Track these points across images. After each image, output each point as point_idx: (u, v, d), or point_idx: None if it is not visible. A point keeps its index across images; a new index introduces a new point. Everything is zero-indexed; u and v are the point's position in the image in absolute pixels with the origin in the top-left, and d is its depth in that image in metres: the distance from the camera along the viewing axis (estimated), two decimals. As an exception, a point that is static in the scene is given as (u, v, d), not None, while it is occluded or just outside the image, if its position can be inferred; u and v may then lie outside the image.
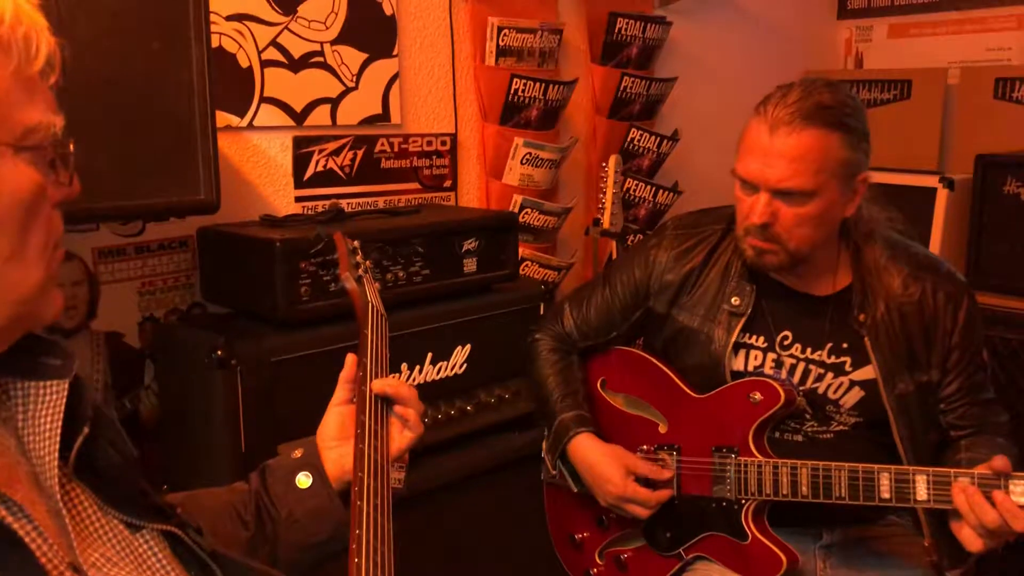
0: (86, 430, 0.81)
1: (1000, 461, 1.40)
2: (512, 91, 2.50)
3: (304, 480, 1.13)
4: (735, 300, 1.68)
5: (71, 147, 0.77)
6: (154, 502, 0.88)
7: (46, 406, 0.79)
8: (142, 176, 1.43)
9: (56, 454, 0.78)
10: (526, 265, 2.58)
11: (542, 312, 2.16)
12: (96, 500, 0.82)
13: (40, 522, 0.72)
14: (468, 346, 2.05)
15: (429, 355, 1.99)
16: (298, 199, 2.22)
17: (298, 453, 1.17)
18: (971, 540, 1.42)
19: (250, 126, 2.12)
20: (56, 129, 0.75)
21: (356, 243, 1.44)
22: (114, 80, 1.36)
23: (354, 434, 1.10)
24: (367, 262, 1.40)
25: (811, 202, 1.52)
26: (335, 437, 1.17)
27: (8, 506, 0.69)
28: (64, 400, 0.79)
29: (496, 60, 2.51)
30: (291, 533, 1.11)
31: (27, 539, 0.69)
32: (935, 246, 2.80)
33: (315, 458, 1.15)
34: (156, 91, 1.43)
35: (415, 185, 2.45)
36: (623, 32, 2.75)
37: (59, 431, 0.78)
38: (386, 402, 1.16)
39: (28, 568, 0.68)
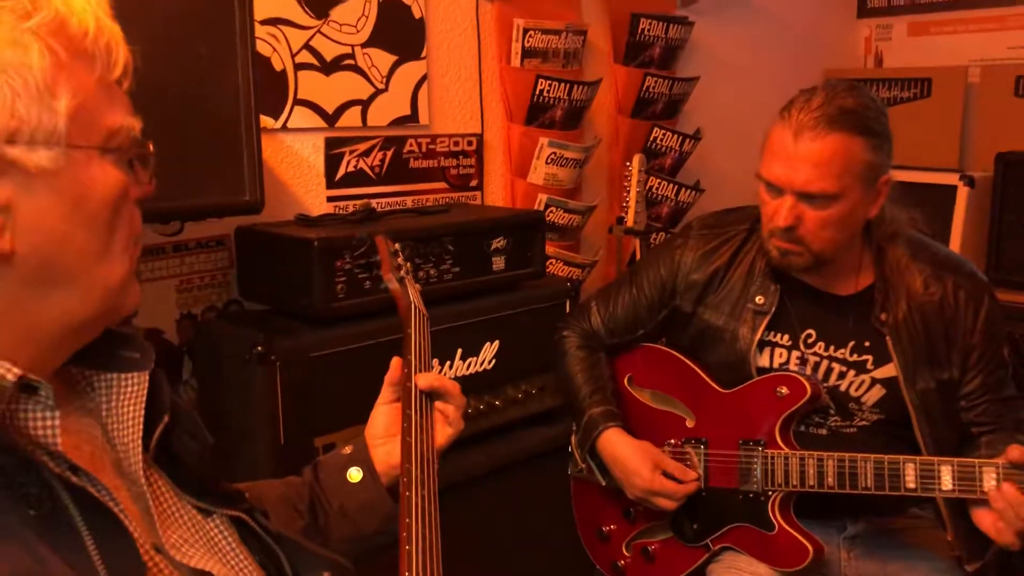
0: (166, 418, 0.86)
1: (1016, 451, 1.44)
2: (537, 92, 2.54)
3: (355, 474, 1.18)
4: (760, 299, 1.72)
5: (150, 147, 0.82)
6: (225, 489, 0.93)
7: (128, 397, 0.84)
8: (190, 179, 1.48)
9: (139, 442, 0.83)
10: (551, 263, 2.62)
11: (568, 309, 2.20)
12: (172, 486, 0.87)
13: (125, 506, 0.77)
14: (497, 342, 2.10)
15: (459, 351, 2.03)
16: (330, 199, 2.28)
17: (348, 449, 1.22)
18: (999, 530, 1.46)
19: (284, 128, 2.17)
20: (135, 131, 0.80)
21: (397, 245, 1.49)
22: (164, 85, 1.41)
23: (401, 428, 1.15)
24: (408, 264, 1.45)
25: (835, 205, 1.56)
26: (382, 435, 1.22)
27: (99, 489, 0.74)
28: (145, 391, 0.85)
29: (521, 61, 2.56)
30: (342, 525, 1.17)
31: (121, 518, 0.74)
32: (955, 244, 2.82)
33: (365, 454, 1.20)
34: (204, 96, 1.49)
35: (442, 184, 2.50)
36: (646, 32, 2.79)
37: (142, 420, 0.83)
38: (430, 397, 1.21)
39: (124, 544, 0.73)
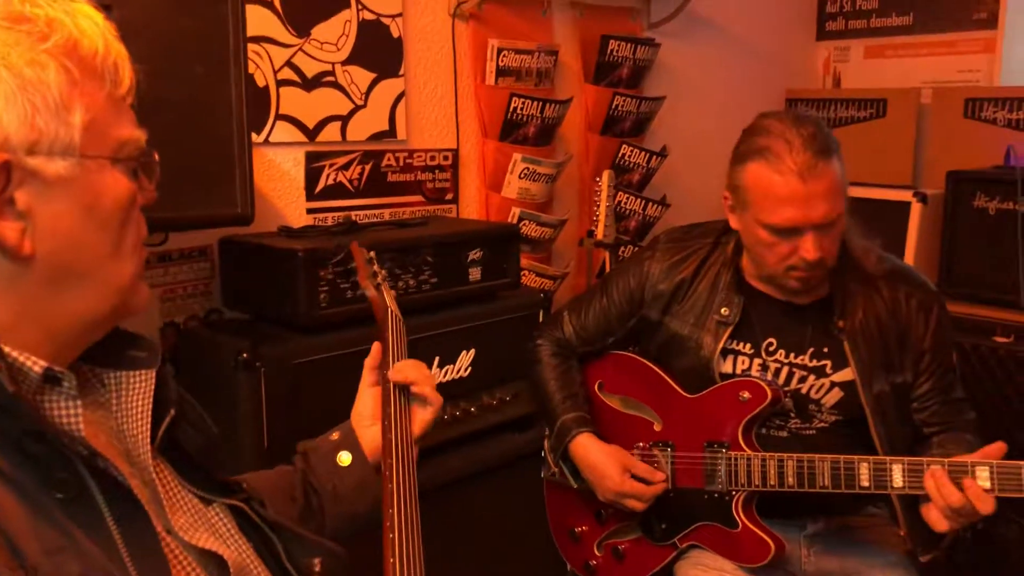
0: (172, 412, 0.92)
1: (995, 448, 1.54)
2: (511, 109, 2.62)
3: (345, 458, 1.25)
4: (724, 311, 1.81)
5: (155, 157, 0.89)
6: (224, 479, 0.99)
7: (137, 392, 0.91)
8: (185, 192, 1.54)
9: (148, 434, 0.89)
10: (524, 274, 2.69)
11: (541, 319, 2.28)
12: (176, 475, 0.94)
13: (136, 491, 0.84)
14: (472, 350, 2.17)
15: (436, 359, 2.10)
16: (309, 211, 2.34)
17: (336, 435, 1.28)
18: (938, 521, 1.55)
19: (266, 142, 2.23)
20: (142, 142, 0.87)
21: (372, 253, 1.55)
22: (162, 101, 1.47)
23: (381, 425, 1.23)
24: (383, 271, 1.51)
25: (841, 220, 1.66)
26: (369, 416, 1.29)
27: (118, 475, 0.81)
28: (153, 387, 0.91)
29: (496, 80, 2.64)
30: (336, 506, 1.23)
31: (140, 499, 0.81)
32: (909, 257, 2.93)
33: (352, 438, 1.27)
34: (199, 112, 1.55)
35: (419, 198, 2.57)
36: (615, 53, 2.89)
37: (150, 414, 0.90)
38: (405, 391, 1.28)
39: (142, 525, 0.79)
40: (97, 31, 0.83)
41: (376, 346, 1.33)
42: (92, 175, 0.81)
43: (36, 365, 0.77)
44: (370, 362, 1.32)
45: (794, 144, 1.60)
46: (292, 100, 2.27)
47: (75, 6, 0.82)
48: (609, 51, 2.87)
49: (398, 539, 1.08)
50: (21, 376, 0.77)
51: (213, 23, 1.54)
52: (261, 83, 2.21)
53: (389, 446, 1.19)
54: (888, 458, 1.62)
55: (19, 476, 0.73)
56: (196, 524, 0.92)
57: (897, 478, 1.60)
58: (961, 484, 1.51)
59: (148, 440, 0.89)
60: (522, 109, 2.63)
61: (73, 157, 0.79)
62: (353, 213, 2.38)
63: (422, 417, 1.27)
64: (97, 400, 0.90)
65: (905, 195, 2.99)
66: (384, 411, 1.24)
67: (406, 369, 1.28)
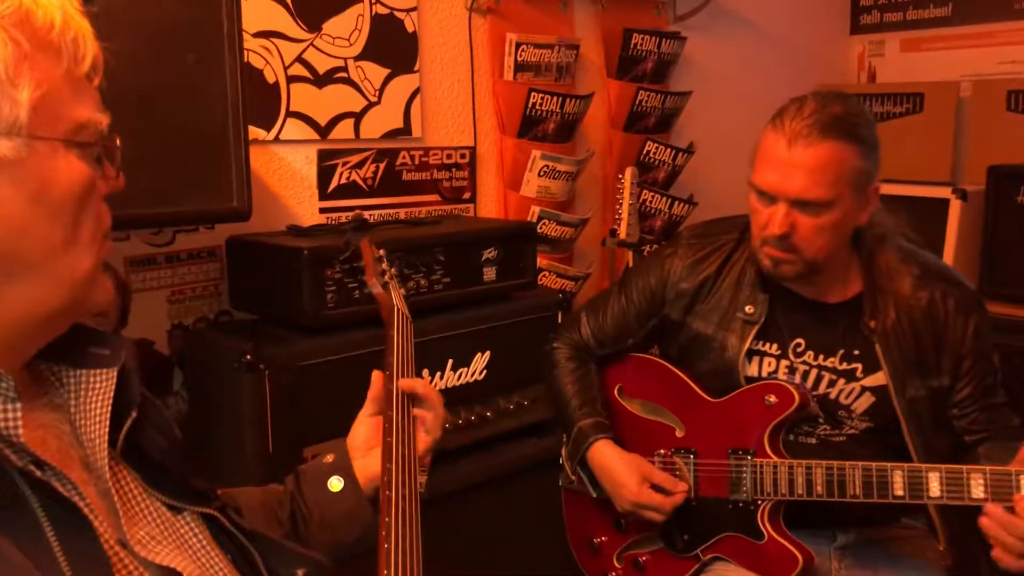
0: (134, 414, 0.86)
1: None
2: (530, 105, 2.55)
3: (336, 484, 1.18)
4: (749, 308, 1.72)
5: (117, 142, 0.82)
6: (195, 486, 0.92)
7: (96, 393, 0.84)
8: (177, 185, 1.49)
9: (105, 438, 0.83)
10: (544, 275, 2.62)
11: (560, 320, 2.20)
12: (141, 482, 0.87)
13: (91, 501, 0.77)
14: (488, 353, 2.10)
15: (450, 361, 2.03)
16: (322, 210, 2.29)
17: (330, 458, 1.22)
18: (1001, 559, 1.42)
19: (276, 140, 2.18)
20: (103, 126, 0.80)
21: (382, 251, 1.50)
22: (151, 91, 1.42)
23: (382, 428, 1.15)
24: (392, 269, 1.45)
25: (829, 212, 1.56)
26: (362, 448, 1.22)
27: (64, 484, 0.74)
28: (113, 387, 0.84)
29: (514, 75, 2.57)
30: (323, 534, 1.17)
31: (85, 512, 0.74)
32: (948, 257, 2.83)
33: (346, 463, 1.20)
34: (191, 102, 1.50)
35: (435, 197, 2.51)
36: (638, 47, 2.81)
37: (108, 416, 0.83)
38: (412, 400, 1.21)
39: (87, 539, 0.73)
40: (55, 3, 0.76)
41: (377, 375, 1.26)
42: (42, 157, 0.74)
43: None
44: (372, 393, 1.25)
45: (802, 112, 1.54)
46: (303, 97, 2.22)
47: None
48: (632, 45, 2.79)
49: (394, 551, 0.99)
50: None
51: (205, 9, 1.48)
52: (271, 79, 2.16)
53: (389, 451, 1.11)
54: (924, 465, 1.53)
55: None
56: (161, 536, 0.85)
57: (934, 487, 1.50)
58: (1014, 507, 1.40)
59: (105, 444, 0.82)
60: (541, 105, 2.56)
61: (19, 137, 0.72)
62: (368, 213, 2.33)
63: (421, 441, 1.21)
64: (53, 402, 0.83)
65: (944, 192, 2.91)
66: (386, 415, 1.17)
67: (424, 384, 1.22)
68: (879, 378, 1.65)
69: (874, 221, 1.69)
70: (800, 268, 1.62)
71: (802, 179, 1.54)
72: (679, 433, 1.78)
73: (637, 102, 2.82)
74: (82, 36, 0.78)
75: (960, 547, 1.59)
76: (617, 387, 1.90)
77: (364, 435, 1.23)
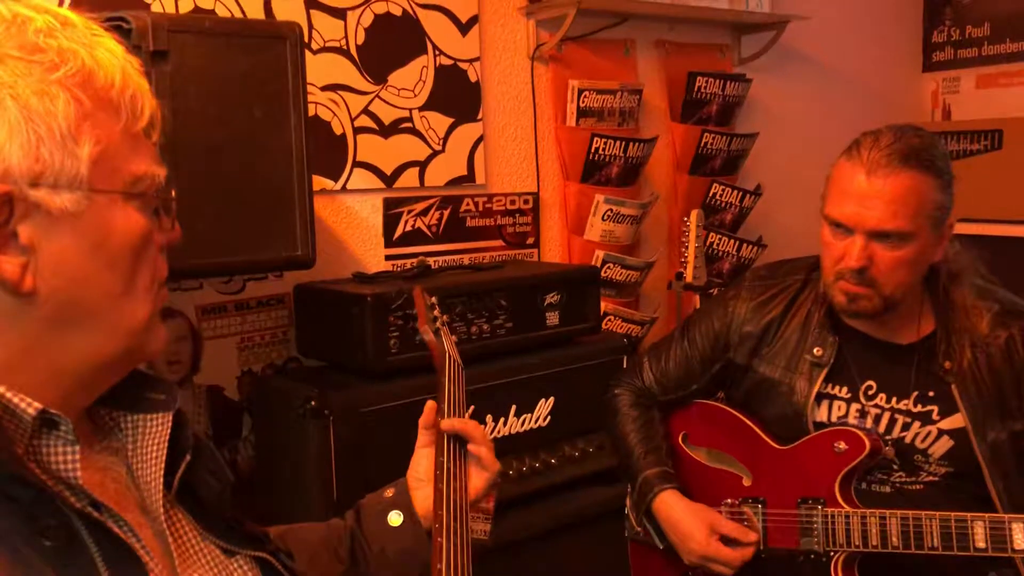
0: (188, 457, 0.88)
1: None
2: (593, 150, 2.56)
3: (396, 519, 1.18)
4: (817, 350, 1.67)
5: (173, 194, 0.85)
6: (249, 529, 0.94)
7: (152, 437, 0.86)
8: (244, 235, 1.54)
9: (161, 480, 0.84)
10: (609, 320, 2.60)
11: (625, 365, 2.18)
12: (196, 525, 0.88)
13: (147, 543, 0.78)
14: (552, 399, 2.08)
15: (513, 407, 2.02)
16: (388, 257, 2.32)
17: (390, 492, 1.22)
18: None
19: (344, 189, 2.23)
20: (160, 179, 0.83)
21: (434, 299, 1.51)
22: (219, 145, 1.48)
23: (434, 475, 1.15)
24: (444, 316, 1.46)
25: (908, 245, 1.52)
26: (423, 477, 1.22)
27: (121, 526, 0.76)
28: (168, 431, 0.86)
29: (577, 121, 2.59)
30: (382, 570, 1.16)
31: (140, 553, 0.75)
32: (1033, 297, 2.72)
33: (406, 497, 1.20)
34: (257, 155, 1.55)
35: (499, 242, 2.52)
36: (702, 90, 2.80)
37: (164, 459, 0.85)
38: (461, 443, 1.21)
39: None
40: (115, 63, 0.80)
41: (430, 404, 1.26)
42: (101, 210, 0.77)
43: (31, 407, 0.74)
44: (424, 421, 1.26)
45: (879, 143, 1.51)
46: (369, 147, 2.27)
47: (96, 39, 0.80)
48: (696, 88, 2.79)
49: None
50: (12, 418, 0.73)
51: (271, 65, 1.54)
52: (338, 131, 2.22)
53: (441, 498, 1.11)
54: (1007, 516, 1.45)
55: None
56: None
57: (1019, 538, 1.42)
58: None
59: (160, 486, 0.84)
60: (604, 149, 2.57)
61: (80, 190, 0.75)
62: (432, 259, 2.35)
63: (476, 481, 1.20)
64: (111, 446, 0.86)
65: (1026, 230, 2.79)
66: (437, 460, 1.17)
67: (464, 421, 1.22)
68: (956, 420, 1.58)
69: (948, 258, 1.63)
70: (877, 304, 1.57)
71: (882, 209, 1.50)
72: (746, 482, 1.73)
73: (702, 144, 2.81)
74: (140, 94, 0.82)
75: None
76: (682, 435, 1.85)
77: (424, 465, 1.23)
